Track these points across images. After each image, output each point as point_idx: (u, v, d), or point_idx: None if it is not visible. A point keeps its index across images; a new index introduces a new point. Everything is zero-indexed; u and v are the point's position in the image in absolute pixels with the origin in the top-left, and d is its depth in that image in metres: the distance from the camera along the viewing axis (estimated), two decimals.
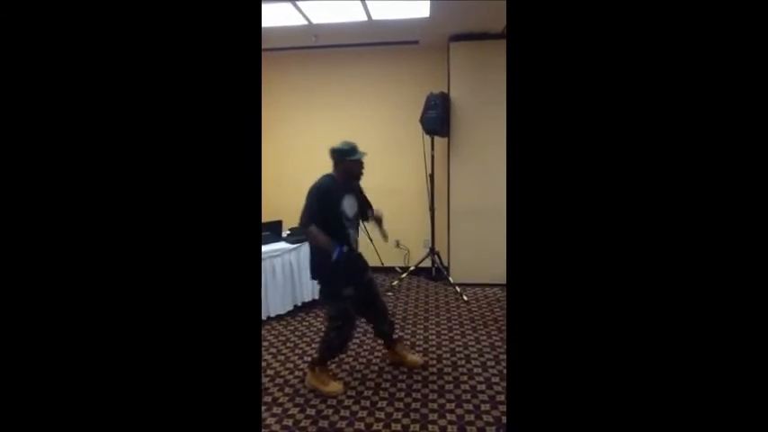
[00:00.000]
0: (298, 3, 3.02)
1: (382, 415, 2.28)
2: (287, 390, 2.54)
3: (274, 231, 3.67)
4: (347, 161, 2.38)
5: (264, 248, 3.48)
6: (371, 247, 4.30)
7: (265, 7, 3.10)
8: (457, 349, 2.97)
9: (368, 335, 3.21)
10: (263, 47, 4.21)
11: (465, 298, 3.87)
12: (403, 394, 2.46)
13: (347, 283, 2.38)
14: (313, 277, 2.50)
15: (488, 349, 2.96)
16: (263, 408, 2.37)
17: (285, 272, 3.54)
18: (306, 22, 3.44)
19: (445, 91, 4.06)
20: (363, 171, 2.45)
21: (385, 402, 2.39)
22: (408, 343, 3.08)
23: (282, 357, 2.93)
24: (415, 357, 2.77)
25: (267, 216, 3.73)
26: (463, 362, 2.80)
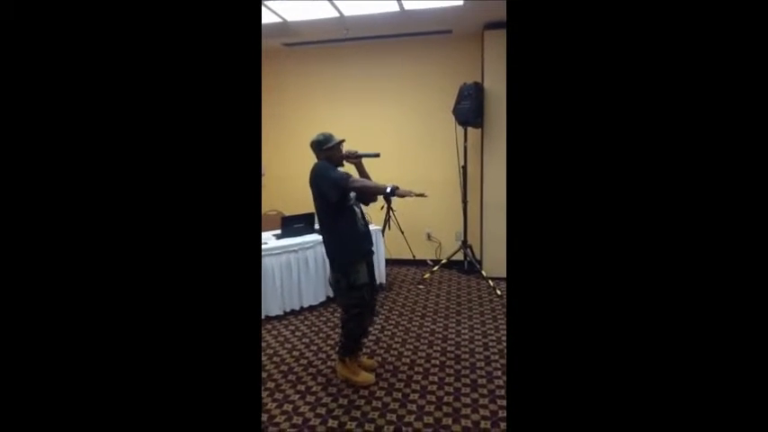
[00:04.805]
0: None
1: (414, 407, 2.28)
2: (320, 379, 2.58)
3: (307, 223, 3.72)
4: (325, 150, 2.38)
5: (297, 240, 3.53)
6: (402, 239, 4.31)
7: (297, 1, 3.11)
8: (490, 344, 2.93)
9: (399, 327, 3.22)
10: (295, 41, 4.27)
11: (498, 292, 3.81)
12: (435, 387, 2.45)
13: (364, 255, 2.43)
14: (331, 261, 2.46)
15: None
16: (297, 396, 2.42)
17: (318, 263, 3.59)
18: (338, 15, 3.44)
19: (479, 81, 3.97)
20: (343, 156, 2.44)
21: (417, 395, 2.38)
22: (440, 336, 3.06)
23: (315, 347, 2.98)
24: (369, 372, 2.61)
25: (302, 209, 3.79)
26: (497, 356, 2.76)
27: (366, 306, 2.46)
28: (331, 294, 3.74)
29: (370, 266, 2.50)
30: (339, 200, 2.29)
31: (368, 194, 2.46)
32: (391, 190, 2.23)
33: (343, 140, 2.42)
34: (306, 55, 4.60)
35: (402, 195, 2.22)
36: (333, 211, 2.34)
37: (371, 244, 2.54)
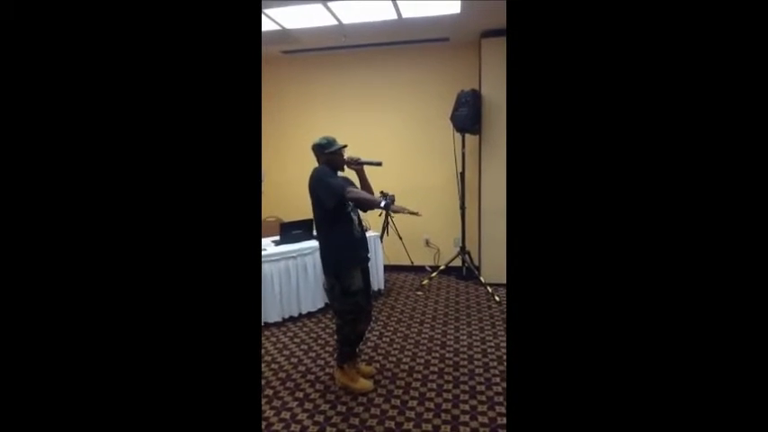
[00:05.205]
0: (328, 3, 3.05)
1: (413, 414, 2.27)
2: (318, 386, 2.57)
3: (306, 230, 3.72)
4: (327, 154, 2.39)
5: (296, 246, 3.53)
6: (401, 245, 4.31)
7: (296, 8, 3.14)
8: (488, 351, 2.92)
9: (398, 334, 3.21)
10: (293, 48, 4.29)
11: (497, 298, 3.80)
12: (434, 394, 2.44)
13: (360, 261, 2.42)
14: (326, 266, 2.45)
15: None
16: (296, 404, 2.40)
17: (317, 270, 3.58)
18: (336, 23, 3.46)
19: (476, 88, 3.99)
20: (344, 162, 2.45)
21: (415, 402, 2.37)
22: (439, 343, 3.06)
23: (314, 354, 2.96)
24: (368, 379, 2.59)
25: (300, 215, 3.80)
26: (495, 363, 2.75)
27: (361, 312, 2.45)
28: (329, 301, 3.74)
29: (365, 272, 2.49)
30: (336, 206, 2.30)
31: (364, 205, 2.46)
32: (385, 204, 2.24)
33: (345, 146, 2.42)
34: (305, 62, 4.62)
35: (395, 212, 2.23)
36: (330, 217, 2.34)
37: (367, 251, 2.54)
